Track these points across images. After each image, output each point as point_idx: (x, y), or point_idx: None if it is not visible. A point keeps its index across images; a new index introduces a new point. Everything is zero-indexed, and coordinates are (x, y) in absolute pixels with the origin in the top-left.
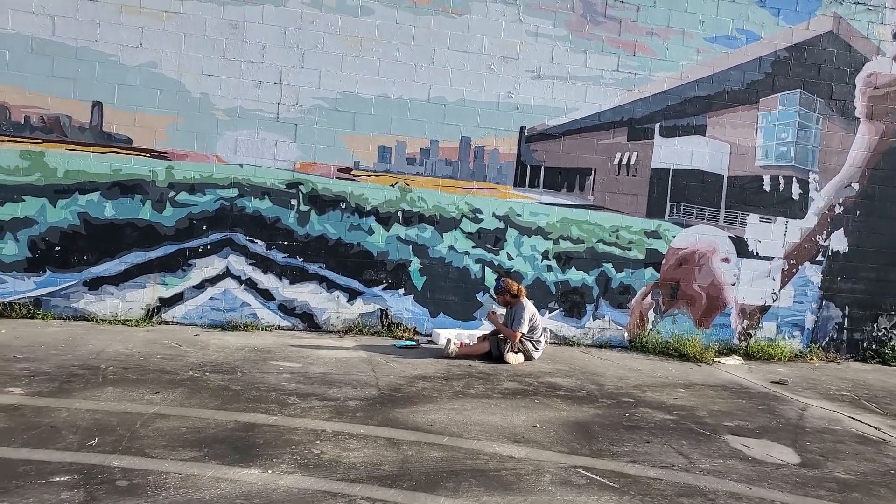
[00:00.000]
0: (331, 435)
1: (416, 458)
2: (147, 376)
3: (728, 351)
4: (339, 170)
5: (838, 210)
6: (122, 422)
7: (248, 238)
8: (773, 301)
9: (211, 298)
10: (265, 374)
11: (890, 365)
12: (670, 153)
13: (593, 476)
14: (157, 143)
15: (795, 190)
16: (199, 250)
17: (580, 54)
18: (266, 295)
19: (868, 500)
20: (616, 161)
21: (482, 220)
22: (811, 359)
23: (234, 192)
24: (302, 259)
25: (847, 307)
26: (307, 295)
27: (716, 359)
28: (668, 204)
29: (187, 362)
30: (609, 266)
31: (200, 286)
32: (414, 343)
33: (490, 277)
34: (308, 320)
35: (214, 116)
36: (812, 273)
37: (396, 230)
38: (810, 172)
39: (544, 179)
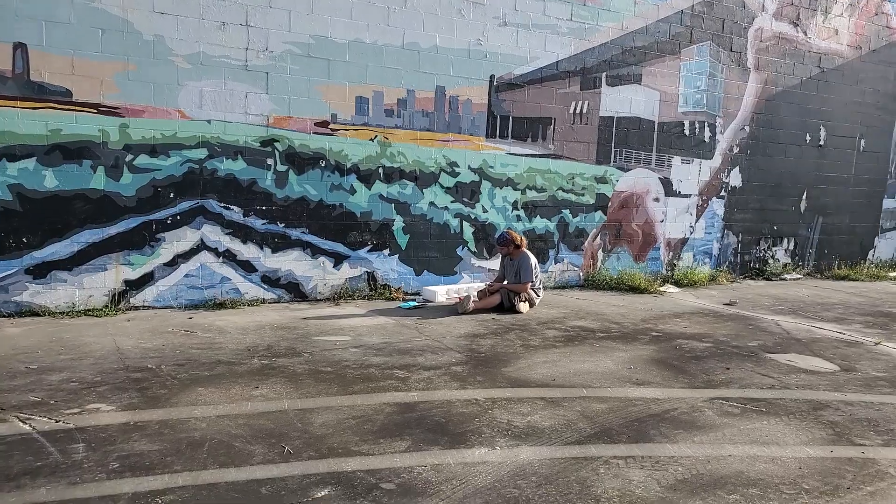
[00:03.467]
0: (488, 403)
1: (592, 414)
2: (217, 370)
3: (662, 280)
4: (316, 124)
5: (735, 150)
6: (278, 424)
7: (222, 205)
8: (691, 234)
9: (186, 276)
10: (332, 352)
11: (771, 280)
12: (614, 101)
13: (736, 405)
14: (105, 97)
15: (706, 133)
16: (168, 222)
17: (539, 2)
18: (247, 267)
19: None
20: (571, 110)
21: (459, 173)
22: (721, 280)
23: (203, 153)
24: (283, 225)
25: (740, 234)
26: (291, 263)
27: (660, 288)
28: (613, 150)
29: (232, 349)
30: (567, 212)
31: (173, 263)
32: (417, 303)
33: (468, 231)
34: (294, 290)
35: (173, 63)
36: (717, 207)
37: (378, 188)
38: (717, 117)
39: (512, 130)
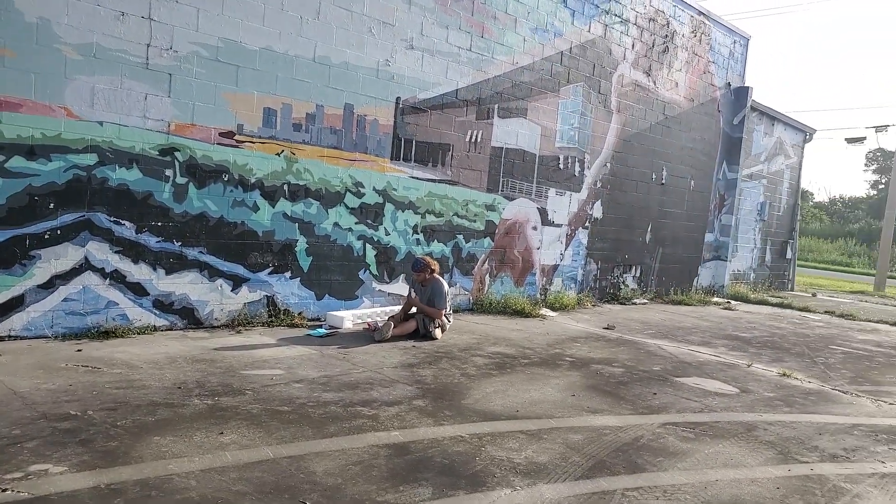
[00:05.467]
0: (475, 440)
1: (576, 445)
2: (160, 414)
3: (539, 304)
4: (220, 134)
5: (598, 185)
6: (277, 475)
7: (112, 219)
8: (560, 260)
9: (65, 300)
10: (275, 388)
11: (624, 304)
12: (504, 133)
13: (687, 430)
14: None
15: (577, 168)
16: (46, 237)
17: (443, 29)
18: (138, 290)
19: (800, 401)
20: (468, 138)
21: (364, 194)
22: (586, 304)
23: (92, 159)
24: (179, 243)
25: (600, 262)
26: (186, 286)
27: (540, 312)
28: (501, 179)
29: (160, 388)
30: (461, 237)
31: (49, 285)
32: (327, 332)
33: (370, 254)
34: (188, 316)
35: (61, 53)
36: (582, 236)
37: (283, 206)
38: (585, 153)
39: (415, 153)
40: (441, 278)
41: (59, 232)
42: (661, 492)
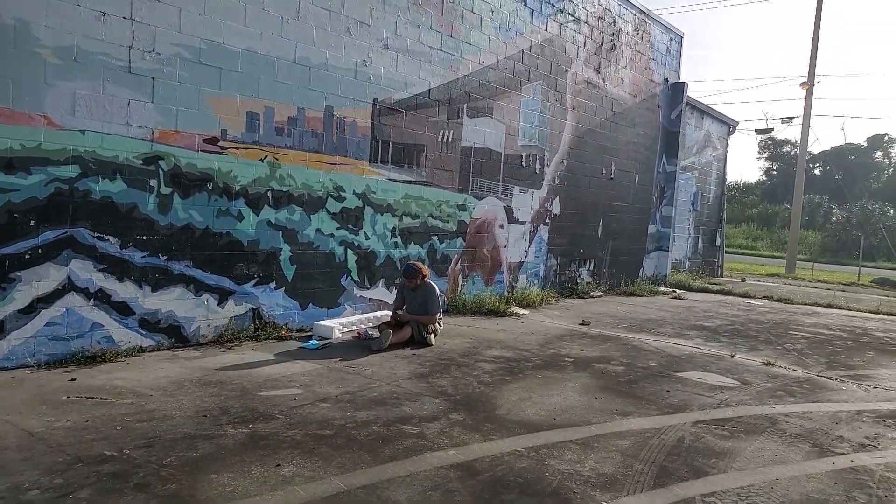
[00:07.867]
0: (532, 453)
1: (630, 452)
2: (201, 448)
3: (510, 302)
4: (204, 140)
5: (556, 182)
6: None
7: (95, 234)
8: (525, 257)
9: (48, 325)
10: (304, 409)
11: (583, 297)
12: (472, 132)
13: (720, 428)
14: None
15: (538, 166)
16: (27, 257)
17: (416, 29)
18: (123, 309)
19: (798, 391)
20: (440, 139)
21: (345, 198)
22: (550, 300)
23: (74, 171)
24: (165, 257)
25: (559, 257)
26: (173, 303)
27: (513, 310)
28: (471, 179)
29: (185, 418)
30: (435, 239)
31: (31, 309)
32: (320, 343)
33: (351, 260)
34: (175, 334)
35: (40, 57)
36: (544, 232)
37: (267, 214)
38: (545, 151)
39: (392, 155)
40: (432, 282)
41: (40, 251)
42: (735, 495)
